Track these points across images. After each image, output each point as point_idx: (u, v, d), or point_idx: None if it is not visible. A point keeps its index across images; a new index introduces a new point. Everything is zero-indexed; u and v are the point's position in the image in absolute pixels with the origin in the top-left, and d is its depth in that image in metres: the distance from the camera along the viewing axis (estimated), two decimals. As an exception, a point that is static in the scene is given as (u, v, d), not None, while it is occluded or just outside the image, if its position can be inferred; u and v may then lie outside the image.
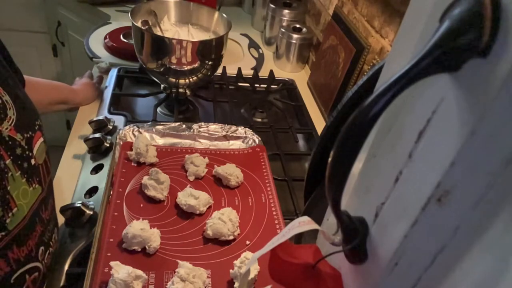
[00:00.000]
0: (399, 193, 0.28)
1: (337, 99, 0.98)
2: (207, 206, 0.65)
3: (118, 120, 0.88)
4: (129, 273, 0.50)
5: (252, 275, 0.54)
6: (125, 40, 1.13)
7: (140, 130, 0.78)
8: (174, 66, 0.84)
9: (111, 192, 0.65)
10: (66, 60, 1.74)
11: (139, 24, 0.87)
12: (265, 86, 1.09)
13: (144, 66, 0.89)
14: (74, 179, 0.74)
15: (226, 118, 0.93)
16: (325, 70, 1.06)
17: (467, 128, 0.22)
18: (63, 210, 0.64)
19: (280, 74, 1.18)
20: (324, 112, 1.03)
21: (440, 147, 0.24)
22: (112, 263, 0.52)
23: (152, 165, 0.72)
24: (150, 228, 0.58)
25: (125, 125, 0.85)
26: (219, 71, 1.04)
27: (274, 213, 0.67)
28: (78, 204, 0.65)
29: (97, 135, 0.79)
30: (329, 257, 0.37)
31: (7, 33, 1.63)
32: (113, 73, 1.03)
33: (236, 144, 0.81)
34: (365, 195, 0.34)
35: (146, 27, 0.89)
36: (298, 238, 0.51)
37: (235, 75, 1.11)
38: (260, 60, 1.23)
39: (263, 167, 0.75)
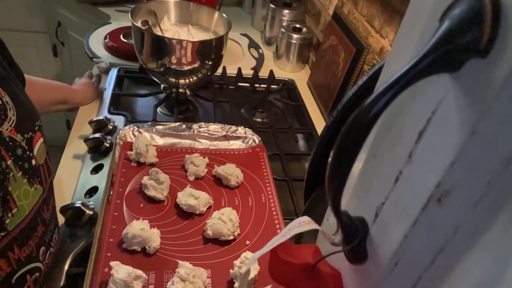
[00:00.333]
0: (399, 193, 0.28)
1: (337, 99, 0.98)
2: (207, 206, 0.65)
3: (118, 120, 0.88)
4: (129, 273, 0.50)
5: (252, 275, 0.54)
6: (125, 40, 1.13)
7: (140, 130, 0.78)
8: (174, 66, 0.84)
9: (111, 192, 0.65)
10: (66, 60, 1.74)
11: (139, 24, 0.87)
12: (265, 86, 1.09)
13: (144, 66, 0.89)
14: (74, 179, 0.74)
15: (226, 118, 0.93)
16: (325, 70, 1.06)
17: (467, 128, 0.22)
18: (63, 210, 0.64)
19: (280, 74, 1.18)
20: (324, 112, 1.03)
21: (440, 147, 0.24)
22: (112, 263, 0.52)
23: (152, 165, 0.72)
24: (150, 228, 0.58)
25: (125, 125, 0.85)
26: (219, 71, 1.04)
27: (274, 213, 0.67)
28: (78, 204, 0.65)
29: (97, 135, 0.79)
30: (329, 257, 0.37)
31: (7, 33, 1.63)
32: (113, 73, 1.03)
33: (236, 144, 0.81)
34: (365, 195, 0.34)
35: (146, 27, 0.89)
36: (298, 238, 0.51)
37: (235, 75, 1.10)
38: (260, 60, 1.23)
39: (263, 167, 0.75)
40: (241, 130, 0.82)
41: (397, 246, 0.28)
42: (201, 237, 0.61)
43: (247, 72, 1.13)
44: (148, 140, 0.74)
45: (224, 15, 0.92)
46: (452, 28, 0.22)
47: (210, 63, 0.87)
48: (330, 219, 0.41)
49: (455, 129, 0.23)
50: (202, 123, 0.82)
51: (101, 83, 1.00)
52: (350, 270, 0.35)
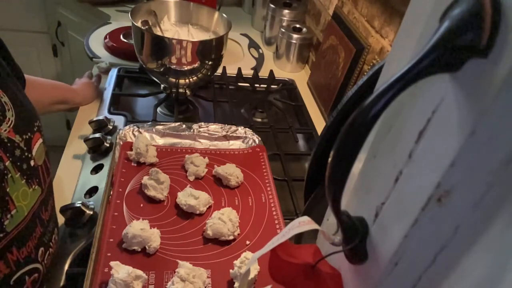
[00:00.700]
0: (399, 193, 0.28)
1: (337, 99, 0.98)
2: (207, 206, 0.65)
3: (118, 120, 0.88)
4: (129, 273, 0.50)
5: (252, 275, 0.54)
6: (125, 40, 1.13)
7: (140, 130, 0.78)
8: (174, 66, 0.84)
9: (111, 192, 0.65)
10: (66, 60, 1.74)
11: (139, 24, 0.87)
12: (265, 86, 1.09)
13: (144, 66, 0.89)
14: (74, 179, 0.74)
15: (226, 118, 0.93)
16: (325, 70, 1.06)
17: (467, 128, 0.22)
18: (63, 210, 0.64)
19: (280, 74, 1.18)
20: (324, 112, 1.03)
21: (440, 147, 0.24)
22: (112, 263, 0.52)
23: (152, 165, 0.72)
24: (150, 228, 0.58)
25: (125, 125, 0.85)
26: (219, 71, 1.04)
27: (274, 213, 0.67)
28: (78, 204, 0.65)
29: (97, 135, 0.79)
30: (329, 257, 0.37)
31: (7, 33, 1.63)
32: (113, 73, 1.03)
33: (236, 144, 0.81)
34: (365, 195, 0.34)
35: (146, 27, 0.89)
36: (298, 238, 0.51)
37: (235, 75, 1.10)
38: (260, 60, 1.23)
39: (263, 167, 0.75)
40: (241, 130, 0.82)
41: (397, 246, 0.28)
42: (201, 237, 0.61)
43: (247, 72, 1.13)
44: (148, 140, 0.74)
45: (224, 15, 0.92)
46: (452, 28, 0.22)
47: (210, 63, 0.87)
48: (330, 219, 0.41)
49: (455, 129, 0.23)
50: (202, 123, 0.82)
51: (101, 83, 1.00)
52: (350, 270, 0.35)
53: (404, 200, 0.28)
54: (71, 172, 0.76)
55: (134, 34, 0.86)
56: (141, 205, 0.64)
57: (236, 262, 0.55)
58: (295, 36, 1.16)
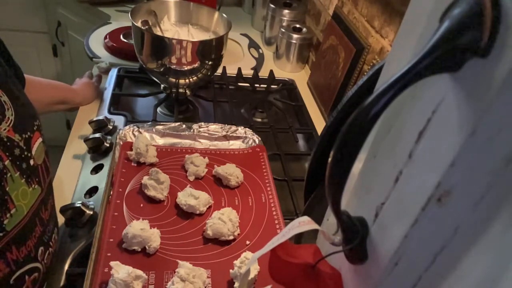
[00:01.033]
0: (399, 193, 0.28)
1: (337, 99, 0.98)
2: (207, 206, 0.65)
3: (118, 120, 0.88)
4: (129, 273, 0.50)
5: (252, 275, 0.54)
6: (125, 40, 1.13)
7: (140, 130, 0.78)
8: (174, 66, 0.84)
9: (111, 192, 0.65)
10: (66, 60, 1.74)
11: (139, 24, 0.87)
12: (265, 86, 1.09)
13: (144, 66, 0.89)
14: (74, 179, 0.74)
15: (226, 118, 0.93)
16: (325, 70, 1.06)
17: (467, 128, 0.22)
18: (63, 210, 0.64)
19: (280, 74, 1.18)
20: (324, 112, 1.03)
21: (440, 147, 0.24)
22: (112, 263, 0.52)
23: (152, 165, 0.72)
24: (150, 228, 0.58)
25: (125, 125, 0.85)
26: (219, 71, 1.04)
27: (274, 213, 0.67)
28: (78, 204, 0.65)
29: (97, 135, 0.79)
30: (329, 257, 0.37)
31: (7, 33, 1.63)
32: (113, 73, 1.03)
33: (236, 144, 0.81)
34: (365, 195, 0.34)
35: (146, 27, 0.89)
36: (298, 238, 0.51)
37: (235, 75, 1.10)
38: (260, 60, 1.23)
39: (263, 167, 0.75)
40: (241, 130, 0.82)
41: (397, 246, 0.28)
42: (201, 237, 0.61)
43: (247, 72, 1.13)
44: (148, 140, 0.74)
45: (224, 15, 0.92)
46: (452, 28, 0.22)
47: (210, 63, 0.87)
48: (330, 219, 0.41)
49: (455, 129, 0.23)
50: (202, 123, 0.82)
51: (101, 83, 1.00)
52: (350, 270, 0.35)
53: (404, 200, 0.28)
54: (71, 172, 0.76)
55: (134, 34, 0.86)
56: (141, 205, 0.64)
57: (236, 262, 0.55)
58: (295, 36, 1.16)
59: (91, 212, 0.66)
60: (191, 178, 0.71)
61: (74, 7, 1.45)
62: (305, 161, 0.91)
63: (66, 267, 0.59)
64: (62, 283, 0.57)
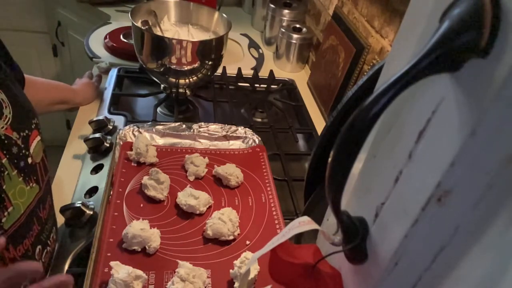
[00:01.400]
0: (399, 193, 0.28)
1: (337, 99, 0.98)
2: (207, 206, 0.65)
3: (118, 120, 0.88)
4: (129, 273, 0.50)
5: (252, 275, 0.54)
6: (125, 40, 1.13)
7: (140, 130, 0.78)
8: (174, 66, 0.84)
9: (111, 192, 0.65)
10: (66, 60, 1.74)
11: (139, 24, 0.87)
12: (265, 86, 1.09)
13: (144, 66, 0.89)
14: (74, 179, 0.74)
15: (226, 118, 0.93)
16: (325, 70, 1.06)
17: (467, 128, 0.22)
18: (63, 210, 0.64)
19: (280, 74, 1.18)
20: (324, 112, 1.03)
21: (440, 147, 0.24)
22: (112, 263, 0.52)
23: (152, 165, 0.72)
24: (150, 228, 0.58)
25: (125, 125, 0.85)
26: (219, 71, 1.04)
27: (274, 213, 0.67)
28: (78, 204, 0.65)
29: (97, 135, 0.79)
30: (329, 257, 0.37)
31: (7, 33, 1.63)
32: (113, 73, 1.03)
33: (236, 144, 0.81)
34: (365, 195, 0.34)
35: (146, 27, 0.89)
36: (298, 238, 0.51)
37: (235, 75, 1.10)
38: (260, 60, 1.23)
39: (263, 167, 0.75)
40: (241, 130, 0.82)
41: (397, 246, 0.28)
42: (201, 237, 0.61)
43: (247, 72, 1.13)
44: (148, 140, 0.74)
45: (224, 15, 0.92)
46: (452, 28, 0.22)
47: (210, 63, 0.87)
48: (330, 219, 0.41)
49: (455, 129, 0.23)
50: (202, 123, 0.82)
51: (101, 83, 1.00)
52: (350, 270, 0.35)
53: (404, 200, 0.28)
54: (71, 172, 0.76)
55: (134, 34, 0.86)
56: (141, 205, 0.64)
57: (236, 262, 0.55)
58: (295, 36, 1.16)
59: (91, 212, 0.66)
60: (191, 178, 0.71)
61: (74, 7, 1.45)
62: (305, 161, 0.91)
63: (66, 267, 0.59)
64: (62, 283, 0.57)
